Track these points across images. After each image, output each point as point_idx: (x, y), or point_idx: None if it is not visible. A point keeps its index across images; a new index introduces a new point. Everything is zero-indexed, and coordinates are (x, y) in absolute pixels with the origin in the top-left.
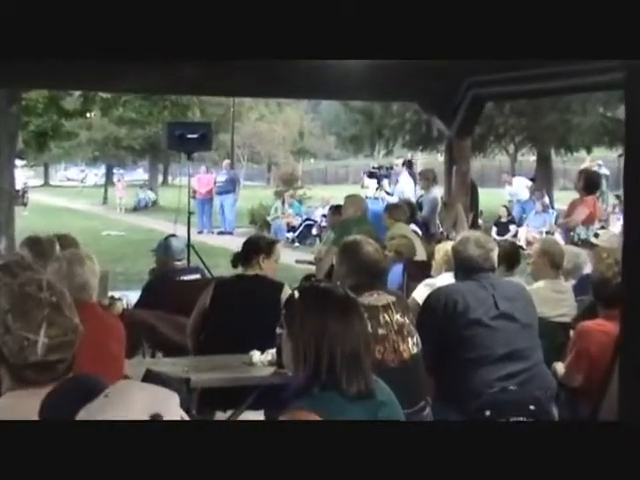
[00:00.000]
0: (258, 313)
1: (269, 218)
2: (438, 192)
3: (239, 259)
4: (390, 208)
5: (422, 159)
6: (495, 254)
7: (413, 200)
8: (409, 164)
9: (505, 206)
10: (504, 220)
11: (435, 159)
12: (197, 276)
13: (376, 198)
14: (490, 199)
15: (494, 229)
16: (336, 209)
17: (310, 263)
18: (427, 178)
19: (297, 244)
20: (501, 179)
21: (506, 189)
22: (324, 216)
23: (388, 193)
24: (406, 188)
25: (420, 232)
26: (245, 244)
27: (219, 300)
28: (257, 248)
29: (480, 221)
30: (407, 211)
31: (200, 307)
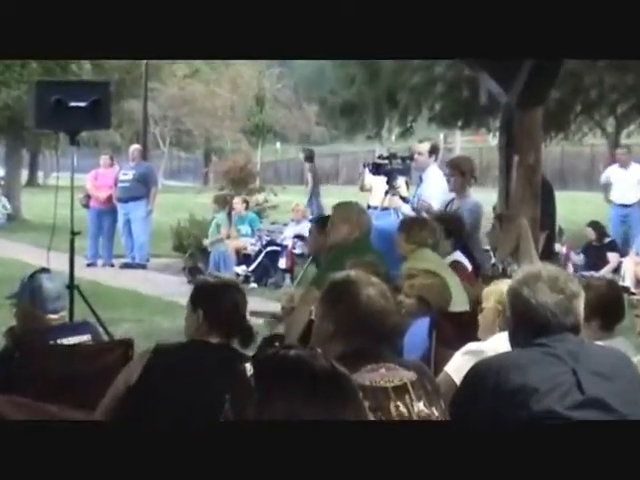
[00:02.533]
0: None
1: (207, 242)
2: (477, 197)
3: None
4: (409, 225)
5: (462, 143)
6: (581, 302)
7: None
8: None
9: (594, 223)
10: (597, 243)
11: (484, 143)
12: (85, 338)
13: (385, 209)
14: (575, 209)
15: (581, 258)
16: (319, 226)
17: (274, 317)
18: (460, 171)
19: (253, 284)
20: (595, 175)
21: (605, 191)
22: (299, 239)
23: (405, 200)
24: (435, 191)
25: (469, 266)
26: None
27: (155, 377)
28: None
29: (558, 246)
30: (437, 230)
31: (120, 385)
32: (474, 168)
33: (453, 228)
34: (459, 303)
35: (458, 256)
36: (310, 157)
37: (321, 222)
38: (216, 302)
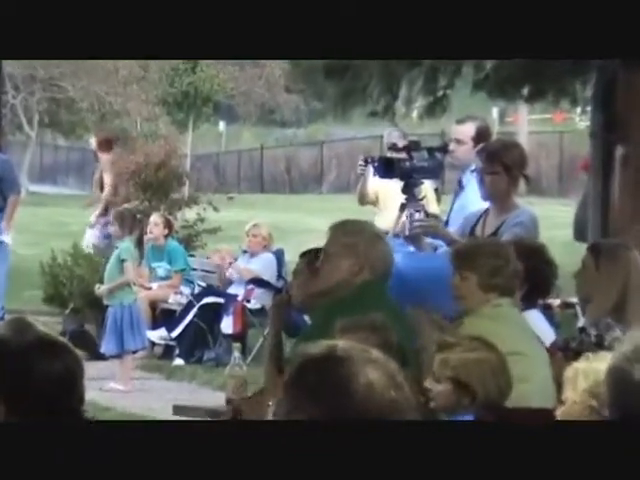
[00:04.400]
0: None
1: (101, 288)
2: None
3: None
4: (486, 256)
5: (530, 124)
6: None
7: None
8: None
9: None
10: None
11: (567, 125)
12: None
13: (398, 236)
14: None
15: None
16: (313, 262)
17: (213, 415)
18: (504, 166)
19: (178, 360)
20: None
21: None
22: (256, 284)
23: (432, 216)
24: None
25: (551, 334)
26: None
27: None
28: None
29: None
30: (517, 265)
31: None
32: (526, 161)
33: (533, 268)
34: (543, 398)
35: (533, 317)
36: (108, 142)
37: (316, 255)
38: (15, 376)
